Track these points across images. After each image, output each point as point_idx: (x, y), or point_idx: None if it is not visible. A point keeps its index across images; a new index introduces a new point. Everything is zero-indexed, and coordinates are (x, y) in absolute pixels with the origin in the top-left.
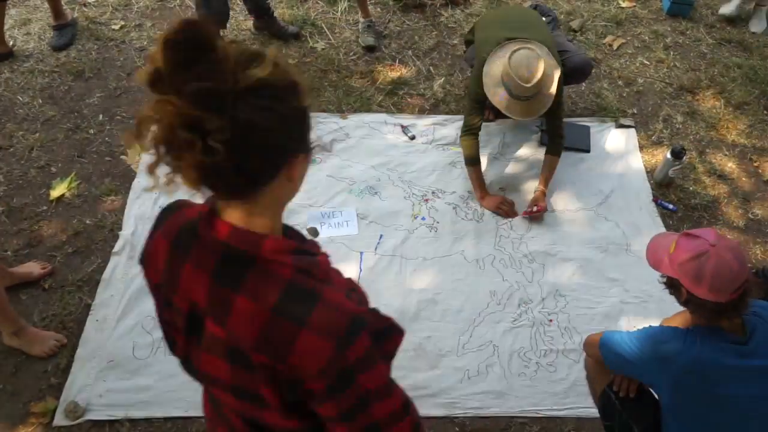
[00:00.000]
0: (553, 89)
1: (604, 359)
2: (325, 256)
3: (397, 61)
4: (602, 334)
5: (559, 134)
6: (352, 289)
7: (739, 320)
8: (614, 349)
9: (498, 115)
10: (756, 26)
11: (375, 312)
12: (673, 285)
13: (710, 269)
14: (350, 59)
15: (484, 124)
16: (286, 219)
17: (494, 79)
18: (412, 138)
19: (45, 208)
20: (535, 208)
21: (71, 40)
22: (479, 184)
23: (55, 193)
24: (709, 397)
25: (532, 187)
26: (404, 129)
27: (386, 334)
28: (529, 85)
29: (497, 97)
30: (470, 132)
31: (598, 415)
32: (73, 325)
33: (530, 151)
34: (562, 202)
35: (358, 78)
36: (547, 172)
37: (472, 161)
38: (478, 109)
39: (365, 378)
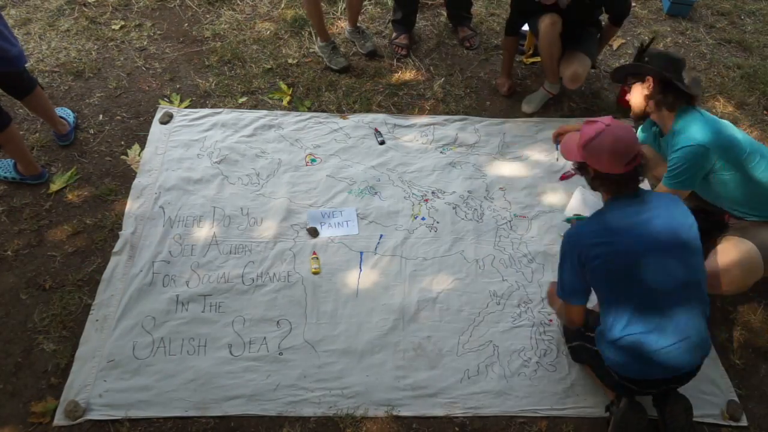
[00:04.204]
0: None
1: (562, 294)
2: None
3: (397, 61)
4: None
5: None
6: None
7: (634, 191)
8: (563, 286)
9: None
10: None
11: None
12: (582, 168)
13: (607, 144)
14: (350, 59)
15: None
16: (287, 219)
17: None
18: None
19: (45, 207)
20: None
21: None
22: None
23: (54, 186)
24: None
25: (532, 188)
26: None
27: None
28: None
29: None
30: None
31: (598, 414)
32: (73, 325)
33: (530, 151)
34: (562, 203)
35: (358, 78)
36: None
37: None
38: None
39: None
